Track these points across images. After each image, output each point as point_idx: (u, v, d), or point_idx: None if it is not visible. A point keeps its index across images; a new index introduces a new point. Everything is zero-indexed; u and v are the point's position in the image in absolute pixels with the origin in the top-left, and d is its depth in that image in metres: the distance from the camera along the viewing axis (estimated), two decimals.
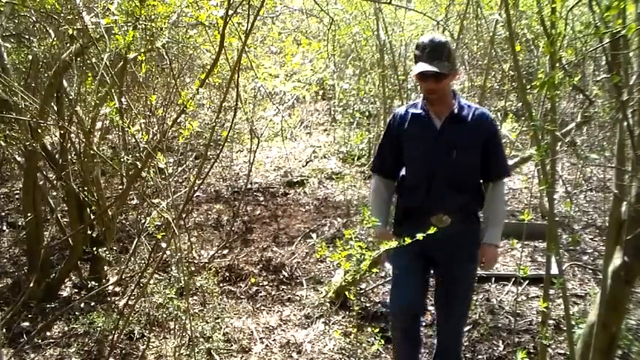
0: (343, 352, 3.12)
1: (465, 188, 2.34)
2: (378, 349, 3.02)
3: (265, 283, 3.99)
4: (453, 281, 2.45)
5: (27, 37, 4.33)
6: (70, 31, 3.24)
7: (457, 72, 2.31)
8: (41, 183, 4.05)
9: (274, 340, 3.29)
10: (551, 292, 3.31)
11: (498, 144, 2.38)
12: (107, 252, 3.50)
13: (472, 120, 2.31)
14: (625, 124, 1.94)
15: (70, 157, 3.74)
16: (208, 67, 2.61)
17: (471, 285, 2.56)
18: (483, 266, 2.42)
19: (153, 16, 3.09)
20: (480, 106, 2.44)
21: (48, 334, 3.37)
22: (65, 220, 4.14)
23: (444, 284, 2.49)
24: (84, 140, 3.42)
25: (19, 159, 4.01)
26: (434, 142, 2.32)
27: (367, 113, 7.23)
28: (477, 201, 2.40)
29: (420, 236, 2.03)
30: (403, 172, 2.49)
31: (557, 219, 4.25)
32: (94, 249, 3.54)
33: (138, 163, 3.09)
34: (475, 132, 2.31)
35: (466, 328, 3.15)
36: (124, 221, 4.67)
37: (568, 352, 2.55)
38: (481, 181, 2.44)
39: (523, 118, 4.70)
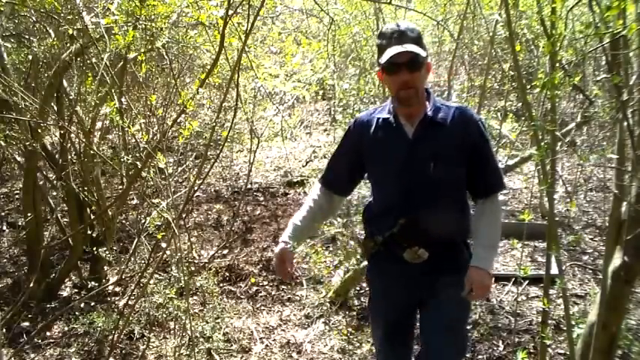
0: (343, 352, 3.12)
1: (447, 211, 1.86)
2: None
3: (265, 283, 3.99)
4: (443, 332, 1.89)
5: (27, 37, 4.33)
6: (70, 31, 3.24)
7: (431, 65, 1.85)
8: (41, 183, 4.05)
9: (274, 340, 3.29)
10: (551, 292, 3.31)
11: (487, 149, 1.88)
12: (107, 252, 3.51)
13: (452, 122, 1.85)
14: (625, 124, 1.94)
15: (70, 157, 3.74)
16: (208, 67, 2.61)
17: (466, 331, 2.08)
18: (472, 295, 1.81)
19: (153, 16, 3.09)
20: (461, 105, 1.98)
21: (48, 334, 3.38)
22: (65, 220, 4.14)
23: (432, 341, 1.93)
24: (84, 140, 3.42)
25: (19, 159, 4.01)
26: (406, 155, 1.85)
27: None
28: (463, 226, 1.93)
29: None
30: (370, 195, 2.04)
31: (557, 219, 4.25)
32: (94, 249, 3.54)
33: (138, 163, 3.09)
34: (457, 137, 1.83)
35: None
36: (124, 221, 4.67)
37: (568, 352, 2.55)
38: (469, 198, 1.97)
39: (523, 118, 4.70)
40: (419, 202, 1.85)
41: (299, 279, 2.16)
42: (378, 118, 1.93)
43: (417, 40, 1.77)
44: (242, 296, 3.82)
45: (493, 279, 1.87)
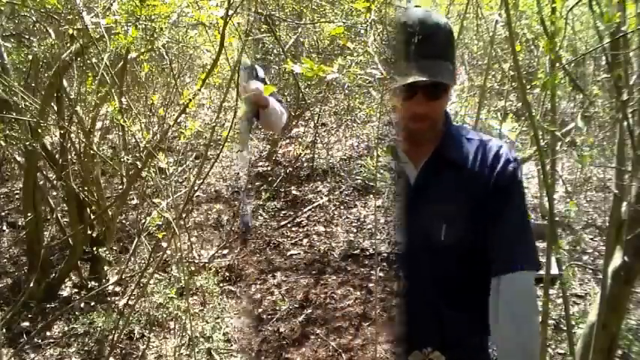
0: None
1: (466, 299, 1.26)
2: None
3: None
4: None
5: (27, 37, 4.32)
6: (70, 31, 3.24)
7: (456, 73, 1.27)
8: (41, 183, 4.05)
9: None
10: (551, 292, 3.31)
11: (516, 202, 1.25)
12: (107, 252, 3.50)
13: (474, 162, 1.25)
14: (625, 124, 1.94)
15: (70, 157, 3.74)
16: (208, 67, 2.61)
17: None
18: None
19: (153, 16, 3.09)
20: (489, 137, 1.32)
21: (48, 334, 3.37)
22: (65, 220, 4.14)
23: None
24: (84, 140, 3.42)
25: (19, 159, 4.01)
26: (404, 210, 1.29)
27: None
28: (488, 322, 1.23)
29: None
30: None
31: (557, 219, 4.25)
32: (94, 249, 3.54)
33: (138, 163, 3.09)
34: (479, 185, 1.23)
35: None
36: (124, 221, 4.66)
37: (568, 352, 2.55)
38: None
39: (523, 118, 4.70)
40: (422, 285, 1.28)
41: None
42: None
43: (447, 44, 1.21)
44: (242, 296, 3.81)
45: None
